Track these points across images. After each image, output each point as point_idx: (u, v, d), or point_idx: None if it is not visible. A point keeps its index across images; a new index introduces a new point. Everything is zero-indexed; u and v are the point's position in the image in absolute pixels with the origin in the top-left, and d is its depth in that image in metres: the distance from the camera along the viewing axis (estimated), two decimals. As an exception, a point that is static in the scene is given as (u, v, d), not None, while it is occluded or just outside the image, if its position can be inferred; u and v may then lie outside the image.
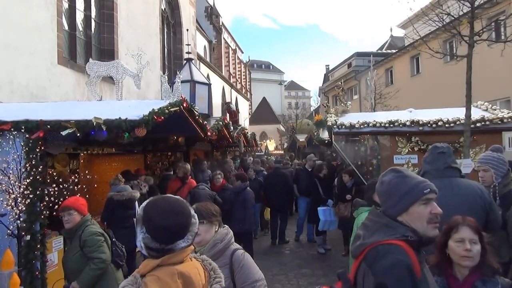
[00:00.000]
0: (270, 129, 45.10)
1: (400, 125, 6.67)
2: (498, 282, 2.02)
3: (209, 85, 10.14)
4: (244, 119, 34.07)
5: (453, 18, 6.26)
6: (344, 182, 7.61)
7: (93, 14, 11.21)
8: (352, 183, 7.54)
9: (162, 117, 4.90)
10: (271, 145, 33.11)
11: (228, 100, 29.86)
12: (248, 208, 6.69)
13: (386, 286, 1.58)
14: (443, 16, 6.27)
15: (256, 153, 21.93)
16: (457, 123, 6.44)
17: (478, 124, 6.33)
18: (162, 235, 1.52)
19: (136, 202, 5.59)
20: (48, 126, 4.47)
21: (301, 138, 20.49)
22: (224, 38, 35.10)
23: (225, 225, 2.50)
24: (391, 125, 6.70)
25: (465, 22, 5.93)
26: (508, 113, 6.47)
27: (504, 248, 3.07)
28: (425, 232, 1.72)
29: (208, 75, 22.36)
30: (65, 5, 9.80)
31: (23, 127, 4.41)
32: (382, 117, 7.13)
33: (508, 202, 3.13)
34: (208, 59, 27.63)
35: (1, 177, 4.22)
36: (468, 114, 5.73)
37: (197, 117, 6.29)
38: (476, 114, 6.49)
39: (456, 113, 6.64)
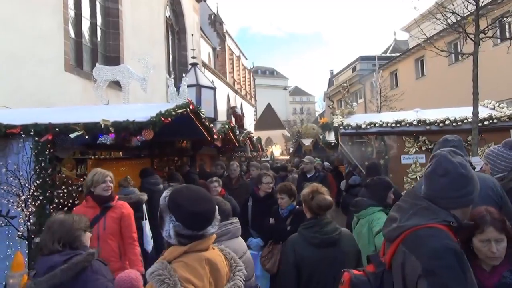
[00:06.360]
0: (275, 135, 45.06)
1: (407, 125, 6.67)
2: None
3: (214, 89, 10.18)
4: (249, 125, 34.14)
5: (458, 17, 6.27)
6: (279, 207, 4.37)
7: (99, 21, 11.34)
8: (291, 208, 4.29)
9: (169, 119, 4.92)
10: (276, 150, 33.10)
11: (232, 106, 29.92)
12: None
13: (433, 272, 1.50)
14: (448, 15, 6.28)
15: (262, 158, 21.92)
16: (464, 121, 6.43)
17: (485, 122, 6.33)
18: (194, 222, 1.54)
19: (144, 205, 5.58)
20: (57, 129, 4.51)
21: (307, 142, 20.46)
22: (228, 45, 35.32)
23: None
24: (397, 125, 6.70)
25: (470, 20, 5.94)
26: (515, 111, 6.45)
27: None
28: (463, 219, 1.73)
29: (212, 81, 22.45)
30: (71, 13, 9.92)
31: (32, 130, 4.45)
32: (388, 117, 7.12)
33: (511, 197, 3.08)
34: (212, 66, 27.77)
35: (12, 179, 4.27)
36: (475, 112, 5.70)
37: (203, 119, 6.30)
38: (483, 112, 6.48)
39: (463, 112, 6.63)
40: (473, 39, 5.74)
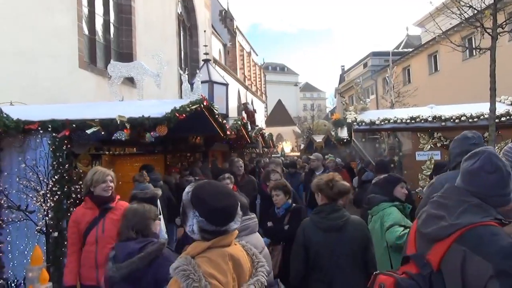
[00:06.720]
0: (286, 131, 44.98)
1: (422, 121, 6.58)
2: None
3: (227, 85, 10.19)
4: (260, 121, 34.10)
5: (475, 11, 6.16)
6: (275, 206, 4.19)
7: (112, 18, 11.41)
8: (287, 206, 4.12)
9: (184, 115, 4.94)
10: (287, 146, 33.05)
11: (243, 102, 29.90)
12: None
13: (508, 272, 1.45)
14: (465, 9, 6.17)
15: (273, 155, 21.91)
16: (481, 117, 6.32)
17: (503, 119, 6.21)
18: (218, 217, 1.56)
19: (158, 200, 5.63)
20: (74, 125, 4.57)
21: (318, 139, 20.38)
22: (238, 41, 35.22)
23: None
24: (412, 121, 6.62)
25: (487, 14, 5.83)
26: (534, 107, 6.33)
27: None
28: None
29: (223, 77, 22.46)
30: (85, 10, 10.00)
31: (49, 126, 4.52)
32: (402, 113, 7.04)
33: None
34: (223, 62, 27.76)
35: (30, 174, 4.34)
36: (492, 108, 5.60)
37: (216, 115, 6.32)
38: (500, 108, 6.35)
39: (479, 108, 6.52)
40: (491, 33, 5.64)
